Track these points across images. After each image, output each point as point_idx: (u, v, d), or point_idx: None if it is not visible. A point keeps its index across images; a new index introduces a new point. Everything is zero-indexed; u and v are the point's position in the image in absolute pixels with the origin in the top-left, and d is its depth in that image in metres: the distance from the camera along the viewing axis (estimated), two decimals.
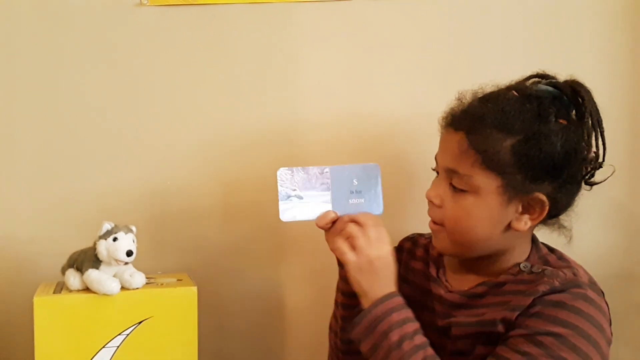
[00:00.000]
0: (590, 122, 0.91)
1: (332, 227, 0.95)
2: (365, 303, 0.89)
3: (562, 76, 0.95)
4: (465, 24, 1.21)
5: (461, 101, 0.96)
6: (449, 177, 0.93)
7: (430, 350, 0.86)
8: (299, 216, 0.96)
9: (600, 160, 0.93)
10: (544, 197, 0.90)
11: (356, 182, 0.96)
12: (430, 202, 0.95)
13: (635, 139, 1.23)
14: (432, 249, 1.05)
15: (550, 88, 0.93)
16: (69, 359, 0.95)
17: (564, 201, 0.93)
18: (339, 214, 0.95)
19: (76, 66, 1.15)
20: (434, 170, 0.98)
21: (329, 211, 0.95)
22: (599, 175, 0.95)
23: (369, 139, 1.20)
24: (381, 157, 1.18)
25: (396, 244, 1.10)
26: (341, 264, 0.98)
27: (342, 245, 0.91)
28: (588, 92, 0.92)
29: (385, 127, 1.20)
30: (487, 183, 0.90)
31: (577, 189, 0.94)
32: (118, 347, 0.97)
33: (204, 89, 1.18)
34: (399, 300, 0.89)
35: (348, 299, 0.99)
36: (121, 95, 1.17)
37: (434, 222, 0.96)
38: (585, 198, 1.19)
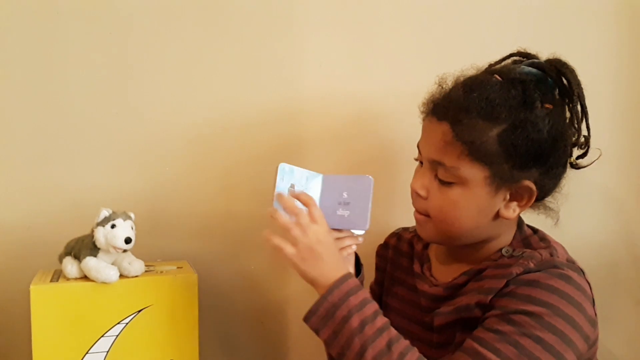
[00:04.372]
0: (577, 104, 0.90)
1: None
2: (320, 290, 0.86)
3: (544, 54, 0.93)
4: (468, 6, 1.19)
5: (442, 87, 0.94)
6: (434, 168, 0.91)
7: (393, 331, 0.83)
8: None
9: (587, 142, 0.92)
10: (531, 185, 0.88)
11: (346, 195, 0.94)
12: (415, 193, 0.93)
13: (630, 130, 1.21)
14: (417, 243, 1.05)
15: (533, 70, 0.90)
16: (67, 349, 0.94)
17: (550, 185, 0.92)
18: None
19: (71, 55, 1.13)
20: (416, 160, 0.96)
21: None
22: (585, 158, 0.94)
23: (370, 121, 1.19)
24: (382, 140, 1.18)
25: (382, 240, 1.11)
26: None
27: (279, 242, 0.87)
28: (573, 71, 0.90)
29: (387, 108, 1.18)
30: (474, 174, 0.88)
31: (563, 172, 0.92)
32: (117, 336, 0.96)
33: (202, 72, 1.16)
34: (354, 281, 0.86)
35: None
36: (118, 83, 1.15)
37: (419, 212, 0.95)
38: (579, 188, 1.19)
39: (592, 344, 0.85)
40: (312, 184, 0.95)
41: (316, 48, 1.18)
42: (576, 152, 0.93)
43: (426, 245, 1.04)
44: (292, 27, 1.17)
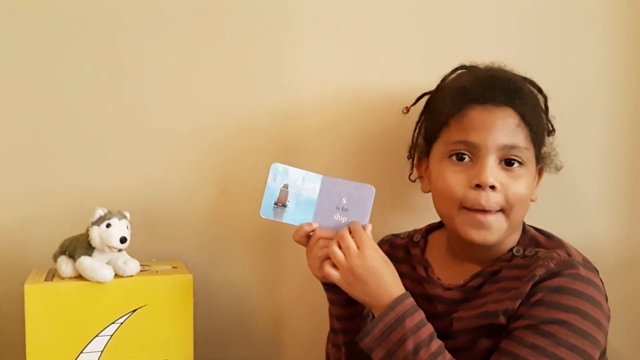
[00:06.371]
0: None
1: (308, 240, 0.94)
2: (375, 310, 0.88)
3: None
4: (465, 5, 1.19)
5: (474, 76, 0.96)
6: (501, 155, 0.91)
7: (447, 355, 0.85)
8: (277, 218, 0.94)
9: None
10: (543, 165, 0.99)
11: (345, 201, 0.93)
12: (489, 187, 0.89)
13: (635, 132, 1.21)
14: (413, 248, 1.05)
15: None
16: (61, 348, 0.94)
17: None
18: (319, 226, 0.93)
19: (66, 55, 1.12)
20: (464, 154, 0.92)
21: (302, 225, 0.94)
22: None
23: (368, 121, 1.19)
24: (381, 141, 1.19)
25: None
26: (327, 287, 0.97)
27: (325, 266, 0.90)
28: None
29: (385, 109, 1.18)
30: (532, 155, 0.93)
31: None
32: (112, 335, 0.95)
33: (198, 73, 1.16)
34: (410, 302, 0.87)
35: (345, 323, 0.98)
36: (113, 83, 1.14)
37: (490, 211, 0.90)
38: (587, 188, 1.19)
39: (607, 337, 0.89)
40: (308, 185, 0.95)
41: (313, 49, 1.17)
42: None
43: (424, 250, 1.04)
44: (289, 28, 1.16)
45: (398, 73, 1.18)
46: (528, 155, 0.92)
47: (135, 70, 1.14)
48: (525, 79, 1.00)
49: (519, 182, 0.91)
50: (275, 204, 0.94)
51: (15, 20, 1.10)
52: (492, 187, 0.89)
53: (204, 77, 1.16)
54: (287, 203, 0.94)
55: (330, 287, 0.96)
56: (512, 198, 0.90)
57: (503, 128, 0.91)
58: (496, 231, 0.91)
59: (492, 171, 0.90)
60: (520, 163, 0.91)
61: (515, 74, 0.98)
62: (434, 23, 1.19)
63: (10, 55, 1.11)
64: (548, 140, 1.01)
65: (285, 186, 0.93)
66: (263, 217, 0.94)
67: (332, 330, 1.02)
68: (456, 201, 0.92)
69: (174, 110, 1.16)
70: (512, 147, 0.90)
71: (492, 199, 0.90)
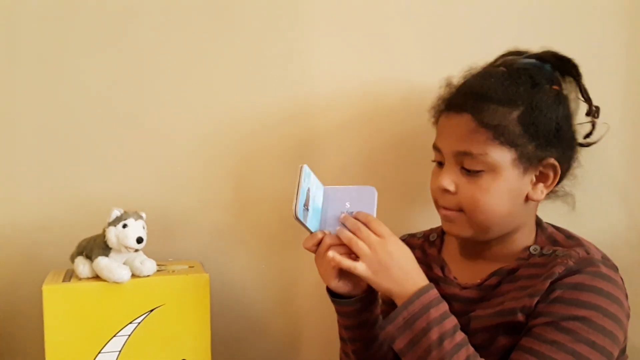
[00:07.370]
0: (580, 82, 0.97)
1: (317, 248, 0.92)
2: (399, 300, 0.87)
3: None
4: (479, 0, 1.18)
5: (449, 86, 0.98)
6: (459, 161, 0.92)
7: (471, 348, 0.85)
8: (304, 220, 0.91)
9: (598, 110, 0.99)
10: (555, 162, 0.92)
11: (349, 205, 0.93)
12: (443, 190, 0.93)
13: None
14: (429, 248, 1.04)
15: (532, 60, 0.97)
16: (80, 348, 0.94)
17: (566, 167, 0.95)
18: (329, 233, 0.92)
19: (81, 56, 1.13)
20: (434, 161, 0.97)
21: (314, 233, 0.92)
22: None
23: (381, 118, 1.18)
24: (394, 138, 1.18)
25: None
26: (335, 299, 0.95)
27: (348, 263, 0.88)
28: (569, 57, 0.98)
29: (397, 105, 1.17)
30: (502, 158, 0.90)
31: (573, 154, 0.97)
32: (129, 335, 0.96)
33: (213, 71, 1.16)
34: (435, 293, 0.87)
35: (353, 332, 0.97)
36: (128, 80, 1.15)
37: (448, 209, 0.94)
38: (603, 179, 1.17)
39: (627, 335, 0.88)
40: (318, 193, 0.94)
41: (325, 45, 1.17)
42: (582, 132, 0.99)
43: (440, 249, 1.04)
44: (301, 23, 1.16)
45: (411, 71, 1.18)
46: (492, 161, 0.90)
47: (149, 70, 1.15)
48: (528, 73, 0.94)
49: (474, 187, 0.91)
50: (303, 205, 0.92)
51: (30, 27, 1.11)
52: (447, 190, 0.93)
53: (219, 76, 1.16)
54: (309, 207, 0.93)
55: (338, 299, 0.95)
56: (465, 202, 0.92)
57: (455, 135, 0.92)
58: (462, 227, 0.94)
59: (446, 176, 0.93)
60: (476, 170, 0.91)
61: (495, 73, 0.94)
62: (449, 20, 1.18)
63: (24, 59, 1.12)
64: (567, 143, 0.95)
65: (308, 190, 0.93)
66: (299, 217, 0.90)
67: (341, 339, 1.02)
68: (435, 202, 0.97)
69: (188, 110, 1.16)
70: (465, 153, 0.91)
71: (446, 200, 0.94)
